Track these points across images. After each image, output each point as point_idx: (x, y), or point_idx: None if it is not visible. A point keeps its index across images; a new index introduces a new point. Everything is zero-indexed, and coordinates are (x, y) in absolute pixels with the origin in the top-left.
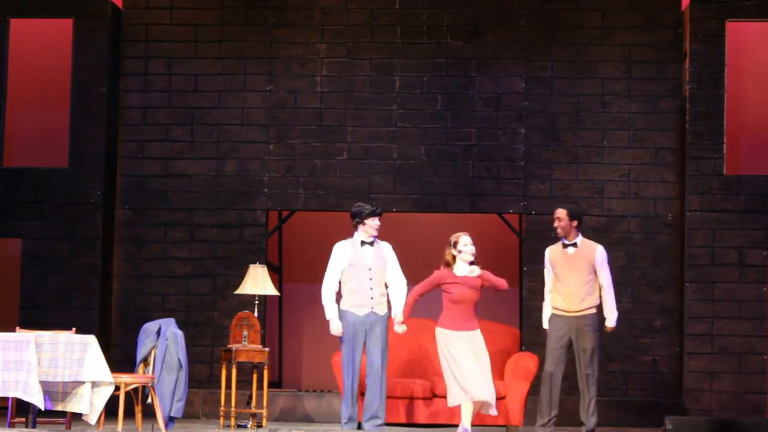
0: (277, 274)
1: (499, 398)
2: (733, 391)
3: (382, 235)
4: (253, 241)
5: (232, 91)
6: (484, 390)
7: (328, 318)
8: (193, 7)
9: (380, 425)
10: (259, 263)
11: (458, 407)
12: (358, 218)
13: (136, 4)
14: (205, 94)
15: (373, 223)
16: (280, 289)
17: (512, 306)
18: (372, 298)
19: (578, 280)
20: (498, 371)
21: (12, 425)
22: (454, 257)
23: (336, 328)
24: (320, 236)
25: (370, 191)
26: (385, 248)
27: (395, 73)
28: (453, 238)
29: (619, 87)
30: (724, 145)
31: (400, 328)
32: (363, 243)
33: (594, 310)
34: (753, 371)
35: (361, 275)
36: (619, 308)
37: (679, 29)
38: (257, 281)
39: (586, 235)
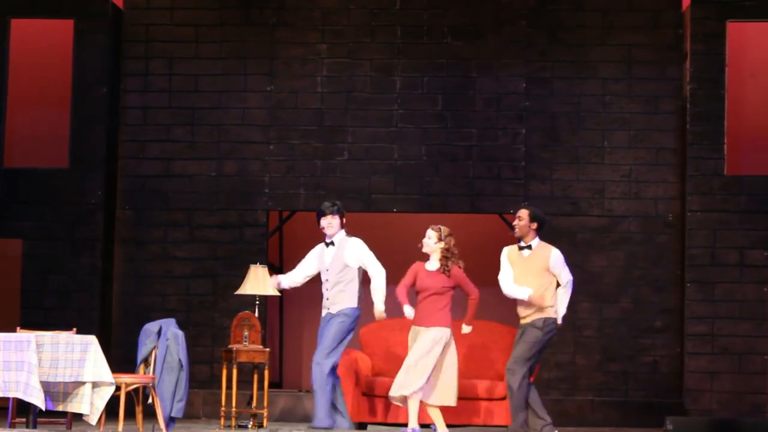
0: (277, 274)
1: (500, 398)
2: (734, 392)
3: (384, 234)
4: (253, 242)
5: (232, 91)
6: (414, 386)
7: None
8: (193, 7)
9: (312, 426)
10: (260, 263)
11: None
12: (317, 222)
13: (137, 5)
14: (206, 95)
15: (323, 223)
16: (280, 290)
17: (512, 306)
18: (328, 299)
19: (533, 283)
20: (499, 372)
21: (12, 425)
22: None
23: None
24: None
25: (370, 191)
26: (350, 247)
27: (396, 74)
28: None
29: (620, 87)
30: (725, 146)
31: (380, 316)
32: (327, 245)
33: (539, 314)
34: (753, 371)
35: (322, 278)
36: (619, 308)
37: (680, 29)
38: (258, 281)
39: (586, 235)
